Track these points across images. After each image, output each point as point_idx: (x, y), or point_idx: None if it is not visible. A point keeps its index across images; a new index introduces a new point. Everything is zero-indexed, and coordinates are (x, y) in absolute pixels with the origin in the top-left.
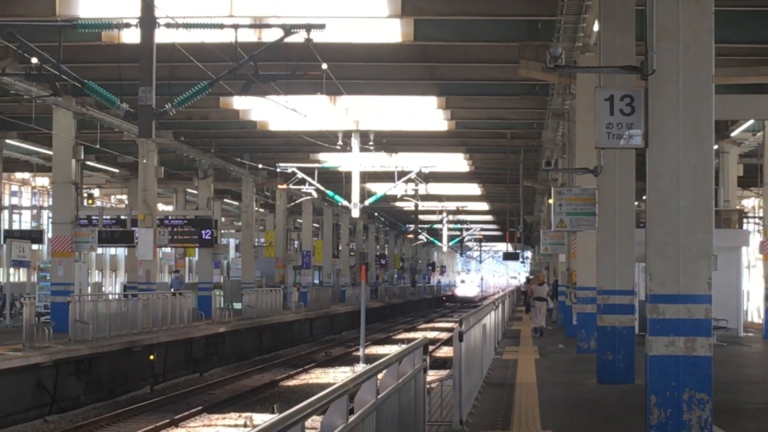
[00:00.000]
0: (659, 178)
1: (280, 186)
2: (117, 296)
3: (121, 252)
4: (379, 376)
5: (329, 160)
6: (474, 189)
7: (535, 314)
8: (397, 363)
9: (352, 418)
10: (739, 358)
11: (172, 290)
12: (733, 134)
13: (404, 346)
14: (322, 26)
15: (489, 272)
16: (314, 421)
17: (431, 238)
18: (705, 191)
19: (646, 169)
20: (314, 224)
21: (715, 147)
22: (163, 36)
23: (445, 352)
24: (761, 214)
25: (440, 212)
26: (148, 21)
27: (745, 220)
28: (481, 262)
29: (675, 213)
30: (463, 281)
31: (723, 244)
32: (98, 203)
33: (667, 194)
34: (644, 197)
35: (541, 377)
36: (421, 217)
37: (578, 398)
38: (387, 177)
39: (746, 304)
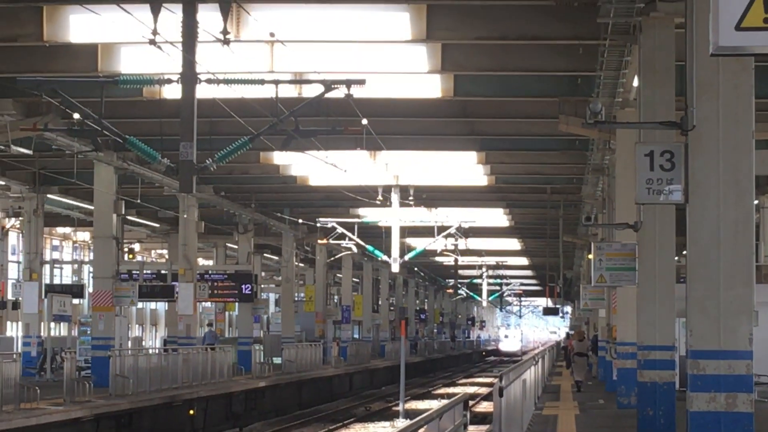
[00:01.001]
0: (699, 234)
1: (319, 241)
2: (157, 350)
3: (161, 306)
4: (421, 431)
5: (369, 215)
6: (514, 244)
7: (576, 369)
8: (437, 418)
9: None
10: None
11: (206, 344)
12: None
13: (444, 401)
14: (362, 81)
15: (528, 326)
16: None
17: (471, 293)
18: (746, 246)
19: (686, 224)
20: (354, 279)
21: (756, 202)
22: (204, 91)
23: (485, 407)
24: None
25: (480, 267)
26: (189, 77)
27: None
28: (520, 317)
29: (715, 268)
30: (506, 336)
31: (765, 299)
32: (139, 258)
33: (707, 249)
34: (684, 252)
35: None
36: (460, 271)
37: None
38: (427, 232)
39: None
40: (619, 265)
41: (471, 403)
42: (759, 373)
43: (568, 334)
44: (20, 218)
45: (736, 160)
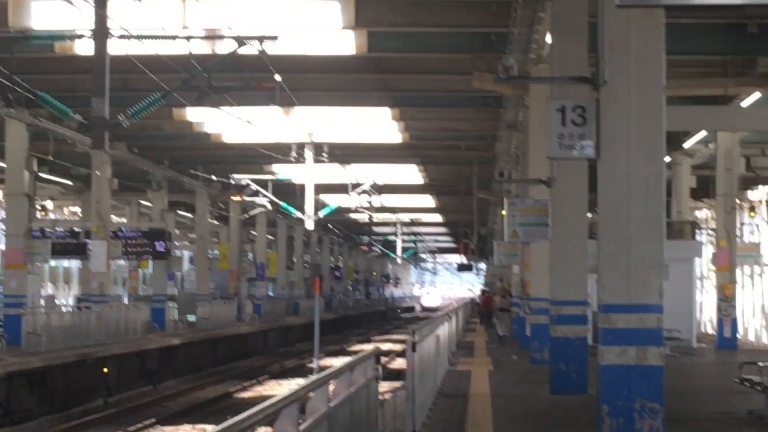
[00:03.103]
0: (611, 189)
1: (233, 198)
2: (70, 308)
3: (74, 264)
4: (331, 386)
5: (283, 172)
6: (428, 201)
7: (500, 324)
8: (349, 372)
9: (303, 426)
10: (691, 369)
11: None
12: (685, 146)
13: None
14: (274, 38)
15: (443, 284)
16: None
17: (385, 250)
18: (656, 202)
19: (598, 179)
20: (268, 236)
21: (668, 159)
22: (116, 47)
23: (399, 364)
24: (714, 226)
25: (394, 224)
26: (101, 32)
27: (697, 232)
28: (435, 274)
29: (626, 223)
30: (428, 293)
31: (676, 255)
32: (51, 215)
33: (618, 205)
34: (597, 209)
35: (494, 388)
36: (375, 228)
37: (531, 409)
38: (341, 189)
39: (699, 315)
40: (533, 221)
41: (385, 359)
42: (671, 329)
43: (483, 291)
44: None
45: (647, 116)
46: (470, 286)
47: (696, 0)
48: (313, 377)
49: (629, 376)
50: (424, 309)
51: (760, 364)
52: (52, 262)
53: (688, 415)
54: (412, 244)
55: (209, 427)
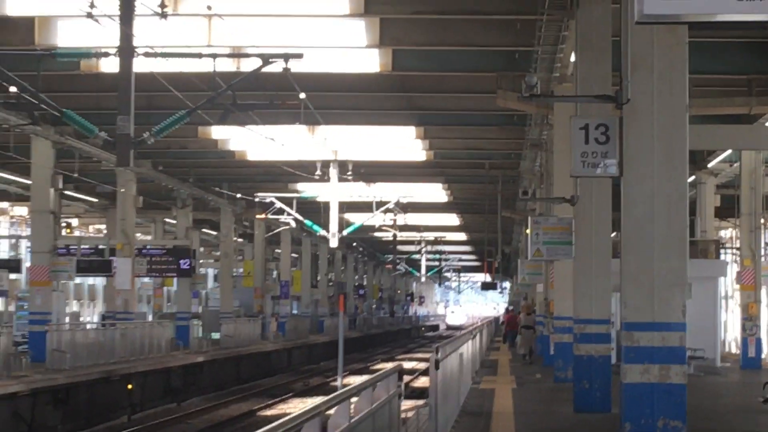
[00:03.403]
0: (634, 207)
1: (258, 216)
2: (95, 325)
3: (99, 282)
4: (353, 401)
5: (307, 190)
6: (452, 219)
7: (524, 342)
8: (371, 388)
9: None
10: (715, 388)
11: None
12: (710, 165)
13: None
14: (299, 56)
15: (467, 302)
16: None
17: (410, 268)
18: (679, 219)
19: (621, 197)
20: (293, 254)
21: (692, 177)
22: (141, 65)
23: (423, 382)
24: (738, 245)
25: (419, 242)
26: (126, 50)
27: (722, 251)
28: (459, 292)
29: (650, 241)
30: (453, 311)
31: (700, 274)
32: (77, 233)
33: (641, 222)
34: (621, 228)
35: (518, 406)
36: (399, 247)
37: (555, 427)
38: (365, 207)
39: (724, 334)
40: (556, 239)
41: (408, 378)
42: (695, 347)
43: (507, 309)
44: None
45: (670, 134)
46: (494, 304)
47: (717, 16)
48: (335, 393)
49: (652, 394)
50: (449, 327)
51: None
52: (77, 280)
53: None
54: (437, 263)
55: None
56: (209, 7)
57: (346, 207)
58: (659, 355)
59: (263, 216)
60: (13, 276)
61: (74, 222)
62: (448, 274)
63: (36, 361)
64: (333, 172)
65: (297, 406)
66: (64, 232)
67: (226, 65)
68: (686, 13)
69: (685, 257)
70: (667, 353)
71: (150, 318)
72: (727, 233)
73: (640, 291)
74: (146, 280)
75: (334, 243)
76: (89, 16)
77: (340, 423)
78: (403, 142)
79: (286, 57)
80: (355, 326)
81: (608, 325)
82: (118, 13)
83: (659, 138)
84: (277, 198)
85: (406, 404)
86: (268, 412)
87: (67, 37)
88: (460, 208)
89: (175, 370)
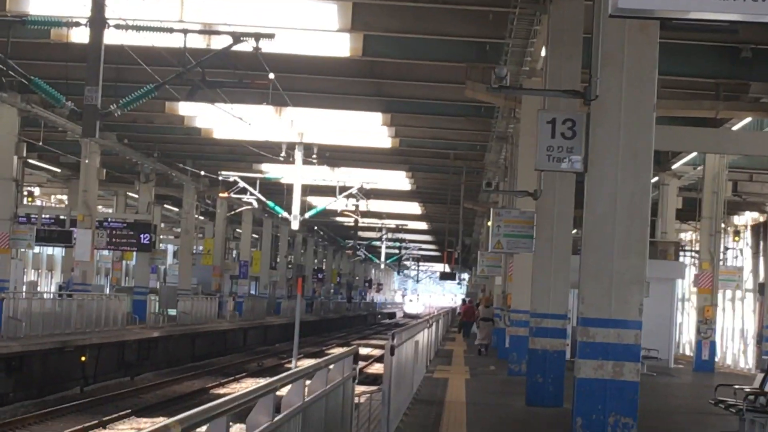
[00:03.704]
0: (596, 203)
1: (221, 194)
2: (52, 295)
3: (58, 252)
4: (308, 382)
5: (272, 171)
6: (414, 208)
7: (480, 332)
8: (326, 368)
9: (277, 418)
10: (667, 388)
11: (68, 291)
12: (674, 167)
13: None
14: (271, 36)
15: (425, 292)
16: (240, 430)
17: (369, 255)
18: (641, 218)
19: (584, 193)
20: (253, 235)
21: (656, 178)
22: (112, 37)
23: (377, 368)
24: (697, 248)
25: (380, 229)
26: (97, 21)
27: (681, 253)
28: (418, 281)
29: (610, 238)
30: (411, 300)
31: (658, 275)
32: (38, 202)
33: (603, 219)
34: (582, 225)
35: (470, 397)
36: (360, 233)
37: (506, 419)
38: (328, 191)
39: (678, 336)
40: (517, 232)
41: (363, 364)
42: (649, 348)
43: (464, 300)
44: None
45: (637, 133)
46: (453, 295)
47: (691, 13)
48: (290, 371)
49: (605, 390)
50: (407, 315)
51: (736, 387)
52: (36, 249)
53: None
54: (397, 251)
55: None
56: None
57: (309, 190)
58: (614, 352)
59: (226, 195)
60: None
61: (36, 191)
62: (407, 263)
63: None
64: (298, 154)
65: (250, 386)
66: (25, 201)
67: (197, 42)
68: (660, 8)
69: (645, 256)
70: (622, 350)
71: (107, 291)
72: (687, 236)
73: (598, 287)
74: (105, 253)
75: (295, 225)
76: None
77: (294, 402)
78: (370, 128)
79: (257, 36)
80: (312, 310)
81: (565, 321)
82: None
83: (625, 136)
84: (241, 177)
85: (360, 389)
86: (221, 391)
87: (38, 4)
88: (422, 197)
89: (130, 344)
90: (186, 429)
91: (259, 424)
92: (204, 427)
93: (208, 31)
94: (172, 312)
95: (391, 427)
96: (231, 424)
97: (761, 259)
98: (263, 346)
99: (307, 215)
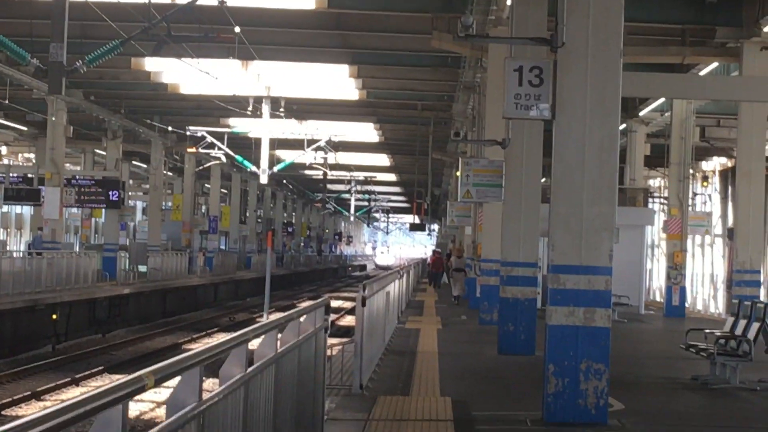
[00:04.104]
0: (565, 150)
1: (189, 149)
2: (21, 254)
3: (26, 210)
4: (279, 335)
5: (239, 125)
6: (383, 160)
7: (455, 284)
8: (298, 320)
9: (250, 369)
10: (638, 335)
11: (33, 250)
12: (641, 113)
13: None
14: None
15: (396, 243)
16: (213, 384)
17: (339, 208)
18: (609, 165)
19: (553, 141)
20: (222, 189)
21: (623, 126)
22: None
23: (349, 321)
24: (666, 194)
25: (348, 182)
26: None
27: (650, 200)
28: (388, 233)
29: (579, 185)
30: (383, 252)
31: (628, 222)
32: (5, 161)
33: (572, 166)
34: (551, 174)
35: (442, 347)
36: (329, 186)
37: (478, 367)
38: (297, 144)
39: (649, 282)
40: (486, 182)
41: (335, 316)
42: (619, 294)
43: (433, 251)
44: None
45: (604, 80)
46: (423, 247)
47: None
48: (262, 322)
49: (576, 336)
50: (379, 267)
51: (707, 331)
52: (5, 208)
53: (633, 379)
54: (366, 203)
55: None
56: None
57: (277, 144)
58: (585, 299)
59: (194, 150)
60: None
61: (3, 150)
62: (377, 215)
63: None
64: (265, 108)
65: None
66: None
67: None
68: None
69: (614, 203)
70: (593, 296)
71: (77, 249)
72: (655, 182)
73: (568, 234)
74: (74, 210)
75: (264, 179)
76: None
77: (266, 353)
78: (337, 81)
79: None
80: (282, 264)
81: (535, 269)
82: None
83: (592, 83)
84: (209, 132)
85: (332, 341)
86: (193, 346)
87: None
88: (391, 149)
89: (100, 301)
90: (159, 380)
91: (232, 375)
92: (177, 379)
93: None
94: (143, 269)
95: (364, 377)
96: (204, 378)
97: (730, 204)
98: (234, 300)
99: (275, 169)
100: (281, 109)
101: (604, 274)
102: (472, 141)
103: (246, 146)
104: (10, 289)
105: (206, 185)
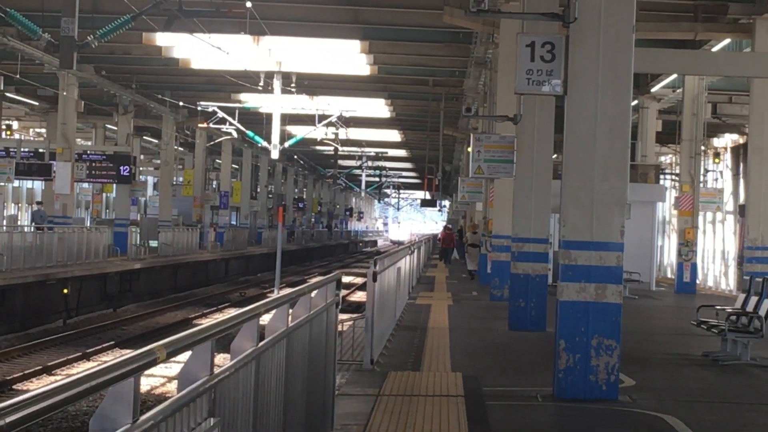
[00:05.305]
0: (577, 126)
1: (200, 125)
2: (32, 229)
3: (38, 185)
4: (291, 310)
5: (250, 100)
6: (394, 135)
7: (470, 259)
8: (309, 294)
9: (262, 343)
10: (649, 311)
11: (34, 225)
12: (653, 90)
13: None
14: None
15: (406, 219)
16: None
17: (350, 183)
18: (621, 140)
19: (564, 115)
20: (233, 165)
21: (635, 102)
22: None
23: (360, 296)
24: (678, 171)
25: (359, 157)
26: None
27: (662, 176)
28: (398, 209)
29: (591, 160)
30: (397, 226)
31: (639, 198)
32: (16, 135)
33: (584, 141)
34: (563, 150)
35: (453, 322)
36: (340, 161)
37: (489, 343)
38: (308, 120)
39: (660, 258)
40: (498, 157)
41: (346, 292)
42: (631, 271)
43: (445, 227)
44: None
45: (616, 55)
46: (434, 223)
47: None
48: (273, 297)
49: (587, 312)
50: (393, 242)
51: (718, 307)
52: (16, 183)
53: (644, 355)
54: (377, 179)
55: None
56: None
57: (288, 119)
58: (596, 274)
59: (205, 125)
60: None
61: (14, 124)
62: (387, 191)
63: None
64: (276, 83)
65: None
66: (3, 134)
67: None
68: None
69: (626, 178)
70: (605, 272)
71: (88, 224)
72: (667, 159)
73: (579, 210)
74: (85, 185)
75: (275, 155)
76: None
77: (278, 327)
78: (348, 56)
79: None
80: (293, 239)
81: (546, 245)
82: None
83: (604, 58)
84: (220, 108)
85: (343, 317)
86: (204, 321)
87: None
88: (402, 125)
89: (111, 276)
90: (171, 353)
91: (244, 349)
92: (188, 353)
93: None
94: (154, 244)
95: (375, 352)
96: (215, 354)
97: (741, 181)
98: (245, 276)
99: (286, 144)
100: (292, 85)
101: (616, 250)
102: (484, 117)
103: (257, 122)
104: (22, 263)
105: (217, 160)
